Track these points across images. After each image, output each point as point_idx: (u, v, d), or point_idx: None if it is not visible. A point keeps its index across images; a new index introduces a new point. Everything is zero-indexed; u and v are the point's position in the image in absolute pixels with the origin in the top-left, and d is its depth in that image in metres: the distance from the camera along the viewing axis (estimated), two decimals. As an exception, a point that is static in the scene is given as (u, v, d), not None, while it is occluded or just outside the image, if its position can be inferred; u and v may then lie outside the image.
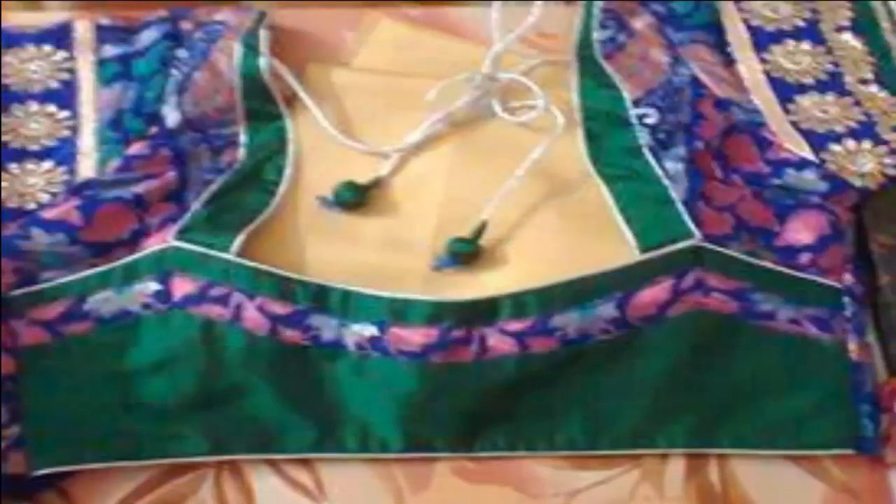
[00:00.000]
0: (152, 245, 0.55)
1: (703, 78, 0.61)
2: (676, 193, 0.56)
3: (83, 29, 0.65)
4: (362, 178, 0.60)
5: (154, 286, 0.54)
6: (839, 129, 0.60)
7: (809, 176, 0.58)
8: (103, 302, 0.54)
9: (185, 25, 0.64)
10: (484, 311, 0.53)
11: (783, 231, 0.57)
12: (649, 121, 0.60)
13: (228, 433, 0.53)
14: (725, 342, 0.54)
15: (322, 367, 0.54)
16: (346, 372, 0.54)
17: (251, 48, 0.62)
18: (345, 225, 0.59)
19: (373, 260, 0.57)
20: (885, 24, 0.65)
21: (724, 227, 0.56)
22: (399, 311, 0.53)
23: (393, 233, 0.58)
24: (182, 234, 0.55)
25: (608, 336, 0.53)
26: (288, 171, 0.60)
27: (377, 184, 0.60)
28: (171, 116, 0.60)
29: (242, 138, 0.61)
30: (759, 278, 0.55)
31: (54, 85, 0.63)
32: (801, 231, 0.57)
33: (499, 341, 0.53)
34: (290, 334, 0.53)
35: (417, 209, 0.59)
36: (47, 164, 0.59)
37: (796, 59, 0.64)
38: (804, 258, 0.56)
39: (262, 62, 0.62)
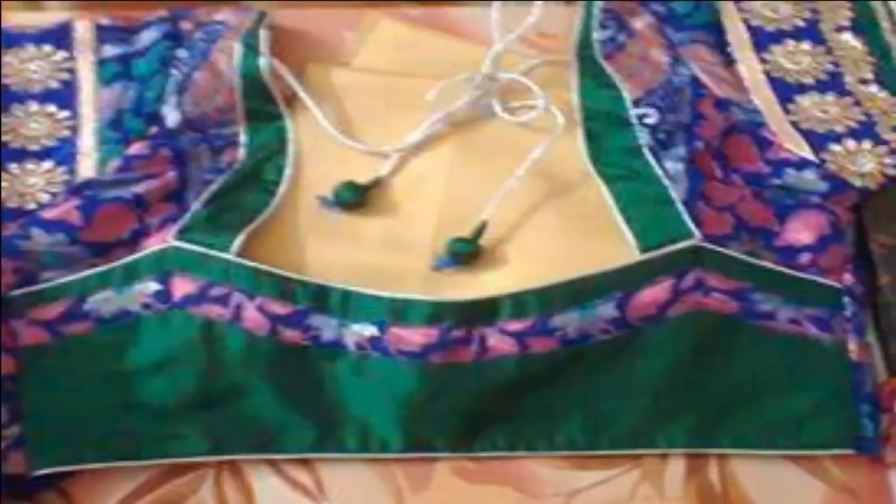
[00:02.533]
0: (152, 245, 0.55)
1: (703, 78, 0.61)
2: (676, 193, 0.56)
3: (83, 29, 0.65)
4: (362, 178, 0.60)
5: (154, 286, 0.54)
6: (839, 129, 0.60)
7: (809, 176, 0.58)
8: (103, 302, 0.54)
9: (185, 25, 0.64)
10: (484, 311, 0.53)
11: (783, 231, 0.57)
12: (649, 121, 0.60)
13: (228, 433, 0.53)
14: (725, 342, 0.54)
15: (322, 367, 0.54)
16: (346, 372, 0.54)
17: (251, 48, 0.62)
18: (345, 225, 0.59)
19: (373, 260, 0.57)
20: (885, 24, 0.65)
21: (724, 227, 0.56)
22: (399, 311, 0.53)
23: (393, 233, 0.58)
24: (182, 234, 0.55)
25: (608, 336, 0.53)
26: (288, 171, 0.60)
27: (377, 184, 0.60)
28: (171, 116, 0.60)
29: (242, 138, 0.61)
30: (759, 278, 0.55)
31: (54, 85, 0.63)
32: (801, 231, 0.57)
33: (499, 341, 0.53)
34: (290, 334, 0.53)
35: (417, 209, 0.59)
36: (47, 164, 0.59)
37: (796, 59, 0.63)
38: (804, 258, 0.56)
39: (262, 62, 0.62)
